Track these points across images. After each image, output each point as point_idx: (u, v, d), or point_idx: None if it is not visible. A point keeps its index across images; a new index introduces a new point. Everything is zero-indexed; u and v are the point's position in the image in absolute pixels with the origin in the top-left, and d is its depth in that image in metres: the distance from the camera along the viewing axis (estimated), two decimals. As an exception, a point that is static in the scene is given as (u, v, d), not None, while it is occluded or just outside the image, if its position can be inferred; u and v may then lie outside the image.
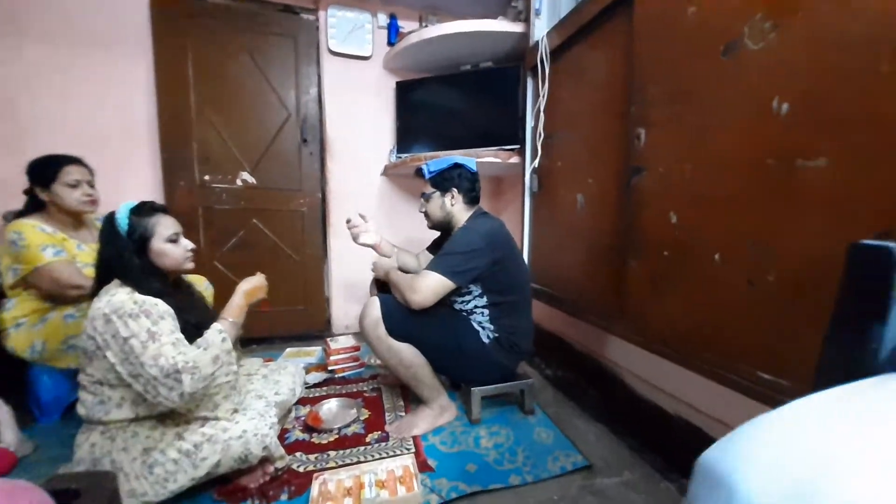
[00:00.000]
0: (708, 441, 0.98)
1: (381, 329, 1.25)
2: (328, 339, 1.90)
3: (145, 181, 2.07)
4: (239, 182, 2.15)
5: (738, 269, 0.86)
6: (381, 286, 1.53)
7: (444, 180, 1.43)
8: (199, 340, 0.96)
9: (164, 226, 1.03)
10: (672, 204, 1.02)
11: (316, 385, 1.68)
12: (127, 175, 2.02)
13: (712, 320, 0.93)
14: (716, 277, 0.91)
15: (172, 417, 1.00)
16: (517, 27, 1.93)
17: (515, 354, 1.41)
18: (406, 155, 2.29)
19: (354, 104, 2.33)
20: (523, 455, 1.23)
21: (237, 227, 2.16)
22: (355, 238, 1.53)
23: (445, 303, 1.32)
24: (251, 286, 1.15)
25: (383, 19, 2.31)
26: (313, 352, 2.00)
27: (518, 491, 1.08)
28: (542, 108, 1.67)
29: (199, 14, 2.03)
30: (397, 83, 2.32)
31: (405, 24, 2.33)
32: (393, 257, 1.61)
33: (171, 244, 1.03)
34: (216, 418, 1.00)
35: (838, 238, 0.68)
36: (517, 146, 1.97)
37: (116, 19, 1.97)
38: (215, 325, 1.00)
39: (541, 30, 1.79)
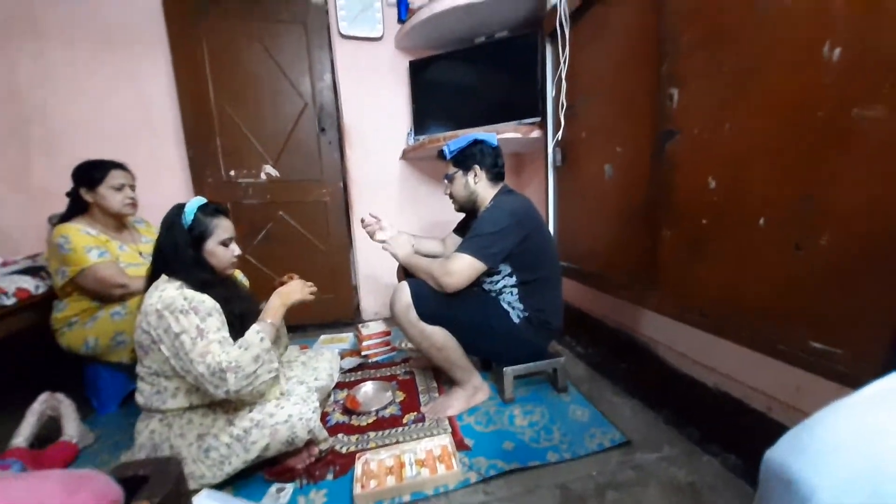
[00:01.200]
0: (748, 412, 0.95)
1: (413, 313, 1.26)
2: (359, 326, 1.94)
3: (175, 179, 2.14)
4: (263, 176, 2.19)
5: (785, 232, 0.80)
6: (409, 272, 1.53)
7: (466, 158, 1.40)
8: (240, 341, 1.00)
9: (223, 228, 1.08)
10: (710, 167, 0.96)
11: (351, 370, 1.73)
12: (158, 174, 2.08)
13: (756, 289, 0.88)
14: (761, 242, 0.85)
15: (223, 405, 1.05)
16: (532, -9, 1.83)
17: (546, 332, 1.40)
18: (423, 137, 2.25)
19: (369, 88, 2.30)
20: (559, 433, 1.23)
21: (265, 221, 2.21)
22: (371, 236, 1.53)
23: (475, 283, 1.31)
24: (287, 289, 1.19)
25: (392, -4, 2.25)
26: (346, 338, 2.05)
27: (557, 468, 1.09)
28: (563, 76, 1.60)
29: (210, 7, 2.03)
30: (410, 62, 2.27)
31: (415, 0, 2.25)
32: (406, 247, 1.59)
33: (222, 247, 1.08)
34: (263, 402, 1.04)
35: (904, 195, 0.62)
36: (538, 119, 1.90)
37: (132, 18, 2.00)
38: (254, 326, 1.04)
39: (558, -9, 1.69)
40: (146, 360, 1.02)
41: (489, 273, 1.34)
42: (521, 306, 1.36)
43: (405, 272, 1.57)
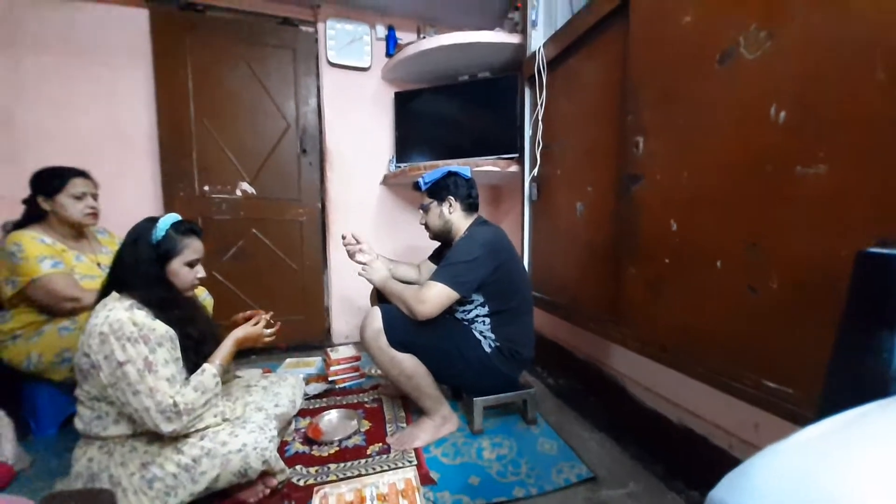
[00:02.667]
0: (711, 449, 0.98)
1: (383, 339, 1.24)
2: (328, 350, 1.89)
3: (145, 191, 2.07)
4: (238, 192, 2.15)
5: (739, 275, 0.86)
6: (382, 296, 1.52)
7: (441, 189, 1.44)
8: (195, 382, 0.97)
9: (192, 249, 1.05)
10: (671, 211, 1.02)
11: (316, 396, 1.66)
12: (126, 186, 2.02)
13: (714, 327, 0.92)
14: (717, 284, 0.91)
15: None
16: (514, 38, 1.95)
17: (517, 363, 1.41)
18: (405, 164, 2.30)
19: (354, 115, 2.35)
20: (527, 467, 1.21)
21: (236, 237, 2.16)
22: (351, 256, 1.50)
23: (447, 312, 1.31)
24: (244, 335, 1.15)
25: (381, 31, 2.34)
26: (313, 362, 1.98)
27: (522, 503, 1.07)
28: (540, 118, 1.69)
29: (199, 26, 2.05)
30: (396, 94, 2.34)
31: (403, 36, 2.35)
32: (383, 271, 1.59)
33: (187, 267, 1.04)
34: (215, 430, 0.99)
35: (841, 243, 0.69)
36: (516, 155, 1.99)
37: (115, 32, 1.99)
38: (209, 369, 1.01)
39: (537, 40, 1.81)
40: (85, 384, 0.95)
41: (462, 302, 1.35)
42: (492, 336, 1.36)
43: (379, 297, 1.56)
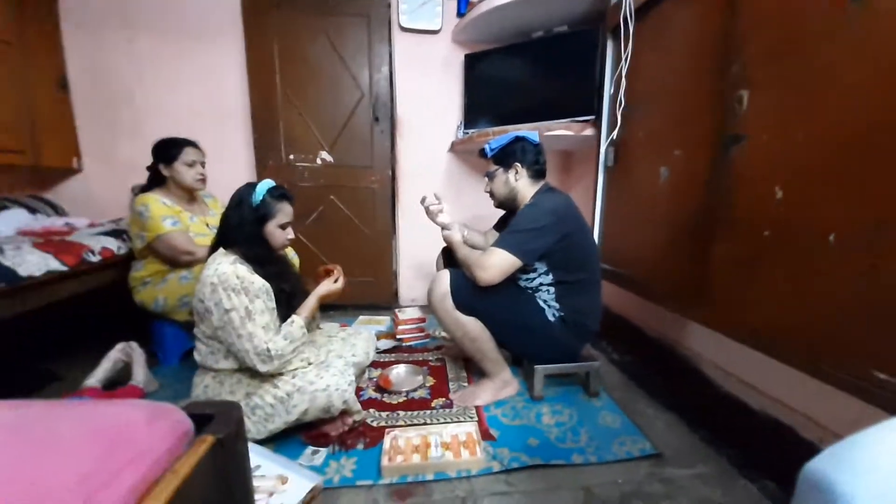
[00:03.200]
0: (798, 441, 0.90)
1: (449, 302, 1.29)
2: (396, 310, 2.01)
3: (240, 160, 2.31)
4: (319, 161, 2.30)
5: (856, 254, 0.74)
6: (448, 261, 1.56)
7: (507, 155, 1.39)
8: (285, 331, 1.10)
9: (284, 213, 1.17)
10: (778, 176, 0.90)
11: (386, 351, 1.80)
12: (224, 155, 2.25)
13: (820, 310, 0.82)
14: (828, 262, 0.79)
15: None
16: (596, -15, 1.77)
17: (581, 335, 1.38)
18: (473, 130, 2.26)
19: (424, 80, 2.34)
20: (587, 436, 1.21)
21: (317, 203, 2.33)
22: (433, 216, 1.51)
23: (511, 279, 1.31)
24: (326, 291, 1.27)
25: (453, -11, 2.26)
26: (383, 321, 2.13)
27: (581, 469, 1.08)
28: (623, 74, 1.54)
29: (283, 2, 2.15)
30: (466, 56, 2.28)
31: (476, -7, 2.25)
32: (460, 234, 1.61)
33: (280, 230, 1.17)
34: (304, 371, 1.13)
35: None
36: (592, 117, 1.85)
37: (211, 11, 2.17)
38: (297, 321, 1.15)
39: (625, -15, 1.63)
40: (202, 324, 1.12)
41: (525, 270, 1.34)
42: (556, 305, 1.34)
43: (445, 262, 1.61)
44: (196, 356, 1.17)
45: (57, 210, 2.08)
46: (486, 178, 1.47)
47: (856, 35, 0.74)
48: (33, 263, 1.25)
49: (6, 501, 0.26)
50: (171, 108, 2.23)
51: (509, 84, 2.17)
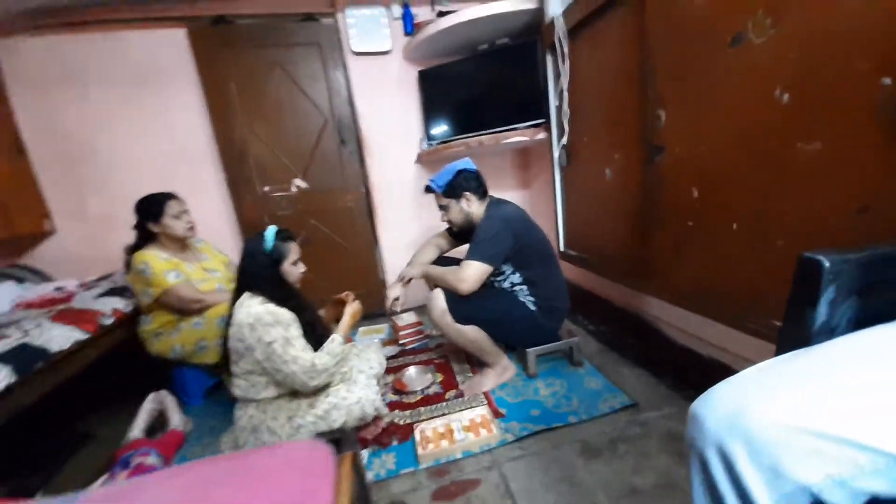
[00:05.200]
0: (734, 374, 1.17)
1: (448, 317, 1.50)
2: (394, 318, 2.19)
3: (214, 199, 2.36)
4: (294, 188, 2.40)
5: (751, 234, 1.01)
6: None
7: (455, 188, 1.59)
8: (326, 348, 1.28)
9: (293, 251, 1.33)
10: (692, 180, 1.16)
11: (392, 357, 1.99)
12: (200, 197, 2.29)
13: (732, 278, 1.10)
14: (734, 243, 1.07)
15: (303, 393, 1.31)
16: (530, 3, 1.97)
17: (558, 316, 1.65)
18: (436, 141, 2.44)
19: (382, 99, 2.47)
20: (577, 400, 1.48)
21: (299, 229, 2.43)
22: (392, 310, 1.71)
23: (487, 285, 1.53)
24: (355, 310, 1.46)
25: (397, 10, 2.38)
26: (382, 329, 2.31)
27: (577, 427, 1.34)
28: (564, 87, 1.77)
29: (232, 38, 2.20)
30: (419, 72, 2.43)
31: (418, 11, 2.39)
32: (418, 269, 1.76)
33: (292, 266, 1.32)
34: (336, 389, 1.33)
35: (829, 209, 0.83)
36: (542, 121, 2.08)
37: (161, 56, 2.17)
38: (337, 338, 1.33)
39: (555, 5, 1.84)
40: (241, 362, 1.27)
41: (495, 274, 1.57)
42: (531, 298, 1.59)
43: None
44: (236, 391, 1.31)
45: (41, 276, 2.08)
46: (441, 211, 1.67)
47: (734, 71, 0.99)
48: (61, 337, 1.33)
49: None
50: (136, 158, 2.24)
51: (463, 95, 2.36)
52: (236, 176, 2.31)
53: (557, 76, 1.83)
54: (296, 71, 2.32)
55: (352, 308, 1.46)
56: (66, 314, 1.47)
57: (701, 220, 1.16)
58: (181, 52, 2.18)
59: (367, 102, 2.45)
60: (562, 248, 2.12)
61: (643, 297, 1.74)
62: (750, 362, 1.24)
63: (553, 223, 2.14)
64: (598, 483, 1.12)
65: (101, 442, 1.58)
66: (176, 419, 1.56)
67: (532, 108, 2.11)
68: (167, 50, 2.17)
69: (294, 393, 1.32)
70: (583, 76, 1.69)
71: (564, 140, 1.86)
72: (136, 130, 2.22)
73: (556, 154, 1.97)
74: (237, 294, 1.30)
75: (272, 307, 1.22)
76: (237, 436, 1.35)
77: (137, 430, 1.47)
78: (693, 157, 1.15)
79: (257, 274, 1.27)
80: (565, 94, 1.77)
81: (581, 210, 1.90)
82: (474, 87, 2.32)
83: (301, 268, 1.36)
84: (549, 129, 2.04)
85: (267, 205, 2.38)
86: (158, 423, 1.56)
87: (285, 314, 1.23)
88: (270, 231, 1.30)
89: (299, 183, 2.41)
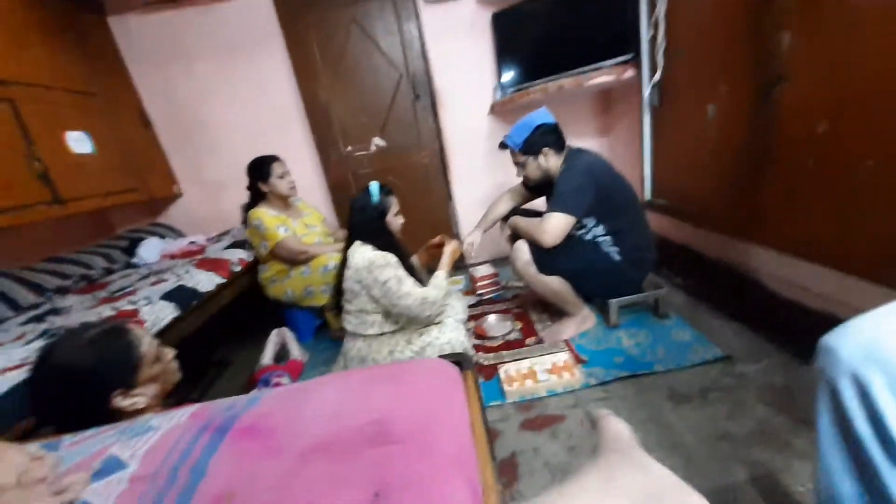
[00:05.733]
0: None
1: (532, 268, 1.54)
2: (471, 270, 2.29)
3: (305, 159, 2.56)
4: (373, 147, 2.52)
5: (891, 172, 0.89)
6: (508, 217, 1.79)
7: (533, 145, 1.54)
8: (433, 282, 1.42)
9: (395, 204, 1.47)
10: (820, 113, 1.02)
11: (472, 305, 2.10)
12: (292, 157, 2.48)
13: (863, 223, 0.98)
14: (868, 182, 0.94)
15: (403, 331, 1.47)
16: (623, -82, 1.75)
17: (644, 267, 1.61)
18: (511, 89, 2.36)
19: (455, 48, 2.41)
20: (663, 350, 1.46)
21: (379, 186, 2.57)
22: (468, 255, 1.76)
23: (570, 237, 1.51)
24: (454, 248, 1.57)
25: (470, -52, 2.25)
26: (460, 280, 2.43)
27: (663, 375, 1.35)
28: (660, 15, 1.59)
29: (313, 1, 2.26)
30: (493, 15, 2.32)
31: (493, -54, 2.24)
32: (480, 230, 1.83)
33: (395, 217, 1.47)
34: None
35: None
36: (630, 56, 1.90)
37: (251, 24, 2.32)
38: (441, 274, 1.47)
39: (654, -83, 1.62)
40: (355, 301, 1.44)
41: (578, 226, 1.54)
42: (616, 249, 1.55)
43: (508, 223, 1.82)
44: (347, 325, 1.50)
45: (176, 232, 2.48)
46: (517, 167, 1.63)
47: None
48: (206, 281, 1.62)
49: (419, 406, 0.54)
50: (237, 124, 2.48)
51: (540, 36, 2.22)
52: (323, 136, 2.47)
53: (652, 4, 1.64)
54: (371, 26, 2.34)
55: (451, 246, 1.57)
56: (206, 262, 1.77)
57: (826, 158, 1.03)
58: (268, 18, 2.30)
59: (440, 54, 2.42)
60: (648, 198, 2.00)
61: (744, 246, 1.61)
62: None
63: (638, 171, 2.02)
64: (687, 426, 1.13)
65: (239, 367, 1.93)
66: (296, 351, 1.84)
67: (619, 43, 1.93)
68: (255, 17, 2.31)
69: (395, 331, 1.48)
70: (684, 2, 1.50)
71: (657, 76, 1.69)
72: (234, 98, 2.44)
73: (646, 94, 1.81)
74: (349, 243, 1.47)
75: (381, 253, 1.37)
76: (347, 364, 1.56)
77: (267, 357, 1.76)
78: (822, 87, 1.00)
79: (366, 225, 1.42)
80: (661, 22, 1.59)
81: (674, 155, 1.76)
82: (553, 25, 2.16)
83: (401, 219, 1.50)
84: (638, 66, 1.86)
85: (350, 164, 2.53)
86: (281, 354, 1.85)
87: (393, 258, 1.38)
88: (374, 186, 1.43)
89: (378, 142, 2.51)
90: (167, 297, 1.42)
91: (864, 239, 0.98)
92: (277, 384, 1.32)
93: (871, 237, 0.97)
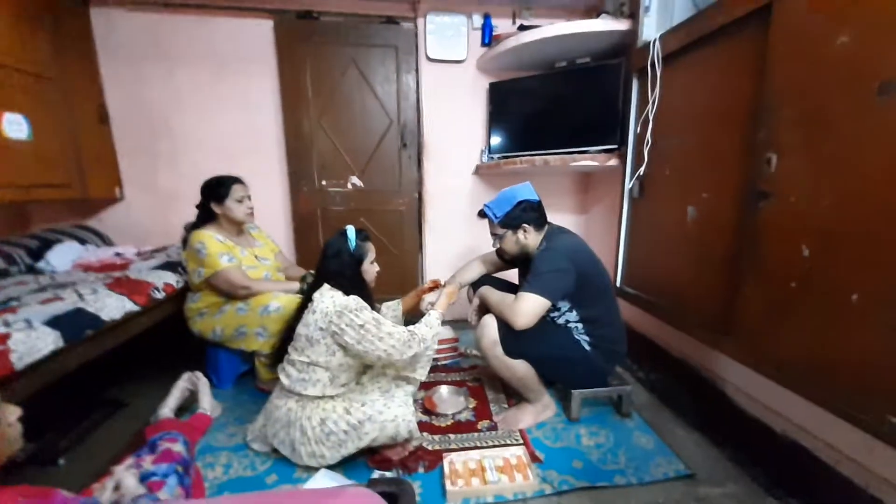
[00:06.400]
0: (816, 463, 1.01)
1: (499, 349, 1.40)
2: (430, 331, 2.11)
3: (274, 186, 2.40)
4: (349, 185, 2.41)
5: (878, 312, 0.86)
6: (477, 287, 1.68)
7: (513, 220, 1.47)
8: (424, 320, 1.38)
9: (371, 251, 1.37)
10: (804, 237, 1.01)
11: (424, 372, 1.91)
12: (259, 183, 2.32)
13: (841, 358, 0.94)
14: (851, 318, 0.91)
15: (342, 398, 1.28)
16: (620, 24, 1.87)
17: (614, 359, 1.51)
18: (498, 155, 2.37)
19: (449, 107, 2.43)
20: (625, 457, 1.33)
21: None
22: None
23: (543, 319, 1.41)
24: (451, 291, 1.55)
25: (478, 20, 2.35)
26: (416, 340, 2.24)
27: (624, 491, 1.20)
28: (651, 116, 1.65)
29: (314, 34, 2.24)
30: (491, 84, 2.38)
31: (498, 23, 2.35)
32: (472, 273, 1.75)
33: (370, 265, 1.36)
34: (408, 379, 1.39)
35: None
36: (615, 146, 1.96)
37: (246, 42, 2.25)
38: (434, 313, 1.42)
39: (650, 28, 1.74)
40: (308, 350, 1.24)
41: (551, 309, 1.45)
42: (587, 339, 1.45)
43: (475, 290, 1.70)
44: (284, 379, 1.28)
45: (103, 239, 2.17)
46: (494, 238, 1.56)
47: (881, 124, 0.85)
48: (113, 307, 1.35)
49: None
50: (208, 138, 2.32)
51: (533, 111, 2.27)
52: (299, 167, 2.35)
53: (643, 102, 1.71)
54: (369, 71, 2.33)
55: (450, 287, 1.55)
56: (122, 283, 1.51)
57: (809, 283, 1.01)
58: (265, 43, 2.25)
59: (433, 109, 2.43)
60: (618, 284, 1.97)
61: (711, 354, 1.57)
62: (839, 453, 1.07)
63: (612, 256, 2.00)
64: (650, 565, 0.98)
65: (132, 412, 1.60)
66: (206, 403, 1.54)
67: (606, 132, 1.99)
68: (252, 39, 2.25)
69: (333, 397, 1.28)
70: (673, 105, 1.56)
71: (641, 170, 1.73)
72: (211, 113, 2.30)
73: (628, 184, 1.84)
74: (315, 286, 1.31)
75: (353, 296, 1.25)
76: (267, 427, 1.31)
77: (168, 408, 1.46)
78: (809, 212, 1.00)
79: (341, 270, 1.30)
80: (650, 121, 1.64)
81: (650, 247, 1.76)
82: (546, 104, 2.23)
83: (376, 267, 1.40)
84: (622, 157, 1.91)
85: (322, 198, 2.40)
86: (188, 403, 1.55)
87: (363, 302, 1.26)
88: (351, 231, 1.33)
89: (355, 181, 2.41)
90: (53, 322, 1.13)
91: (842, 375, 0.94)
92: (167, 452, 1.04)
93: (849, 375, 0.92)
